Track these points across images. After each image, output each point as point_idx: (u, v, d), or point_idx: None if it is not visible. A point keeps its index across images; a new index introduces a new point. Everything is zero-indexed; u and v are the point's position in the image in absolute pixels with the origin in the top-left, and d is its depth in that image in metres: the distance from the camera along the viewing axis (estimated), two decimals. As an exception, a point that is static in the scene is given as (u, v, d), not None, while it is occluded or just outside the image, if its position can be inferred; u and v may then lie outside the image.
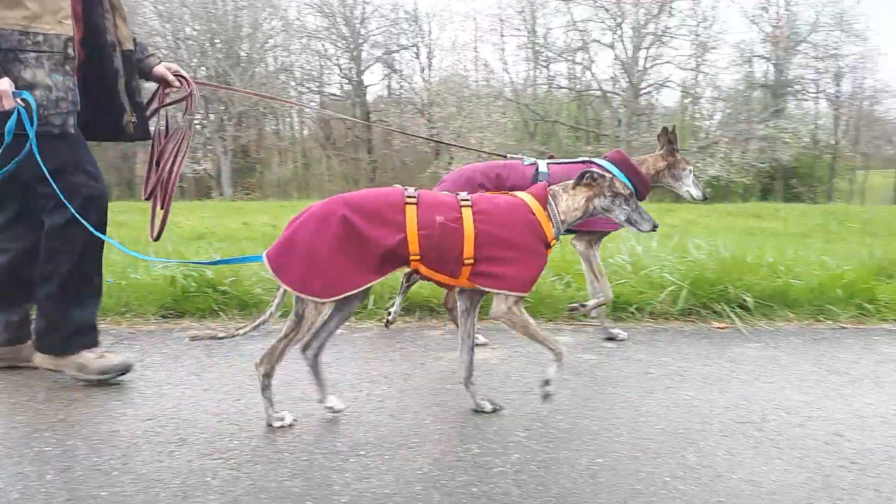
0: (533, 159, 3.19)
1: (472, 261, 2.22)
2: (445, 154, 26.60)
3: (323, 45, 28.88)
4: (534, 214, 2.29)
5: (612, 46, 26.97)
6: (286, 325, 2.20)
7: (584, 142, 28.71)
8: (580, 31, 27.45)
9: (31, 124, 2.38)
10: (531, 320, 2.31)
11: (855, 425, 2.34)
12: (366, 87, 29.69)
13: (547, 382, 2.31)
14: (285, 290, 2.20)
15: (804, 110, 28.66)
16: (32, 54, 2.42)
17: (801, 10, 27.41)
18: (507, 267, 2.23)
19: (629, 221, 2.40)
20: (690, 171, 3.24)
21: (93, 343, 2.78)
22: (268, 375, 2.26)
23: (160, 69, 2.88)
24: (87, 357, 2.72)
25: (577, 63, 28.76)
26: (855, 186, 30.29)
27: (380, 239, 2.14)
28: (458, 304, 2.47)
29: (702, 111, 29.63)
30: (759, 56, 28.35)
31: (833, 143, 29.11)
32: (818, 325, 3.67)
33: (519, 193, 2.39)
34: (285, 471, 2.00)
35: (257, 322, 2.33)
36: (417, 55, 30.19)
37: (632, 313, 3.76)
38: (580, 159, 3.27)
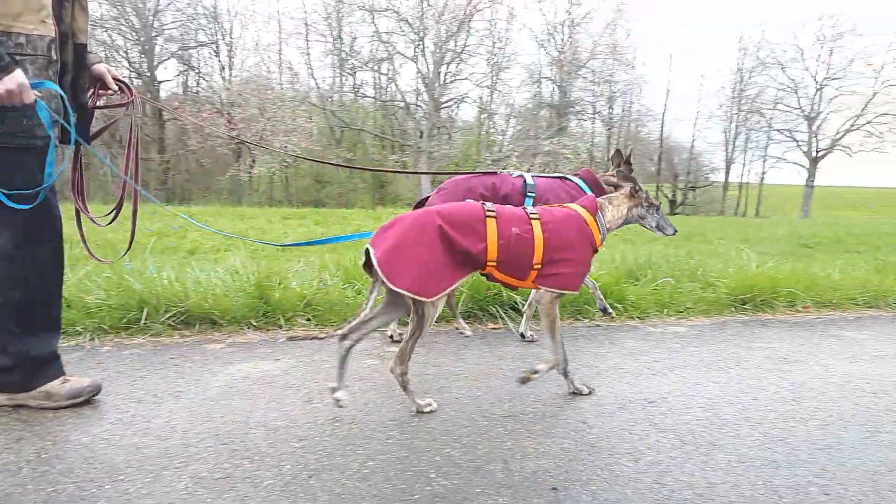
0: (519, 172, 3.54)
1: (539, 266, 2.58)
2: (247, 156, 25.57)
3: (110, 36, 26.32)
4: (587, 224, 2.69)
5: (414, 60, 27.83)
6: (410, 327, 2.45)
7: (389, 151, 29.23)
8: (385, 42, 27.98)
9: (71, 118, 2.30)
10: (559, 321, 2.72)
11: (598, 413, 2.65)
12: (159, 82, 27.60)
13: (534, 372, 2.71)
14: (376, 291, 2.54)
15: (583, 129, 31.88)
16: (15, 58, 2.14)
17: (581, 39, 30.42)
18: (563, 268, 2.61)
19: (658, 227, 2.97)
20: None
21: (57, 374, 2.55)
22: (404, 374, 2.51)
23: (100, 68, 2.61)
24: (53, 385, 2.51)
25: (383, 74, 29.28)
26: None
27: (467, 246, 2.45)
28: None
29: (496, 126, 31.67)
30: (546, 78, 31.03)
31: (606, 159, 32.68)
32: (577, 324, 4.10)
33: (572, 206, 2.78)
34: (25, 506, 1.81)
35: (354, 322, 2.52)
36: (217, 53, 28.76)
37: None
38: (557, 175, 3.65)
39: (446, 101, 28.82)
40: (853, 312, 4.82)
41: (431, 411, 2.57)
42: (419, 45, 27.35)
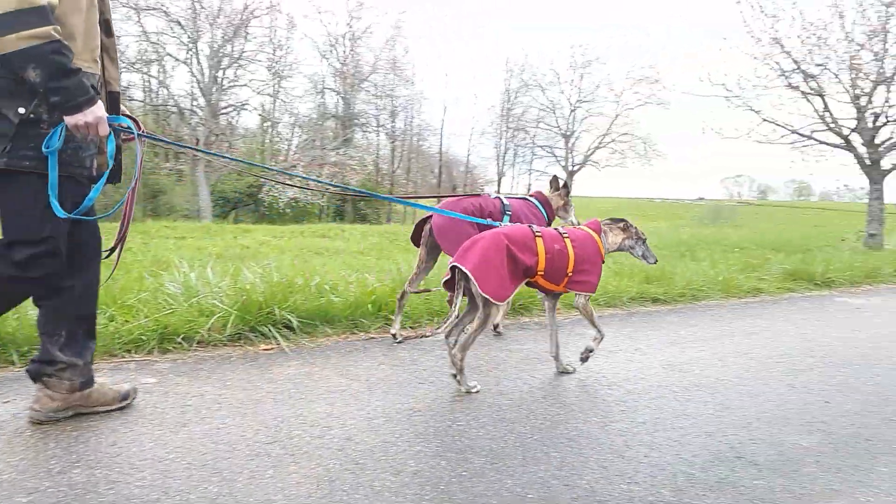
0: (497, 194, 4.17)
1: (571, 274, 3.29)
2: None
3: None
4: (598, 243, 3.42)
5: (188, 63, 26.17)
6: (475, 323, 3.11)
7: (162, 158, 27.15)
8: (154, 43, 25.94)
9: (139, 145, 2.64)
10: (594, 312, 3.54)
11: (365, 428, 2.68)
12: None
13: (589, 350, 3.54)
14: (462, 294, 3.12)
15: (368, 141, 32.46)
16: None
17: (363, 52, 30.93)
18: (588, 277, 3.33)
19: (643, 256, 3.60)
20: (572, 207, 4.54)
21: None
22: (463, 359, 3.11)
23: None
24: None
25: (152, 76, 27.11)
26: (408, 209, 35.55)
27: (526, 260, 3.13)
28: (546, 304, 3.59)
29: (281, 135, 30.95)
30: (330, 89, 31.08)
31: (391, 171, 33.62)
32: (353, 338, 4.13)
33: (584, 228, 3.50)
34: None
35: (450, 322, 3.17)
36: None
37: (179, 343, 3.66)
38: (521, 195, 4.35)
39: (225, 108, 27.55)
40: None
41: (478, 391, 3.17)
42: (192, 48, 25.80)
